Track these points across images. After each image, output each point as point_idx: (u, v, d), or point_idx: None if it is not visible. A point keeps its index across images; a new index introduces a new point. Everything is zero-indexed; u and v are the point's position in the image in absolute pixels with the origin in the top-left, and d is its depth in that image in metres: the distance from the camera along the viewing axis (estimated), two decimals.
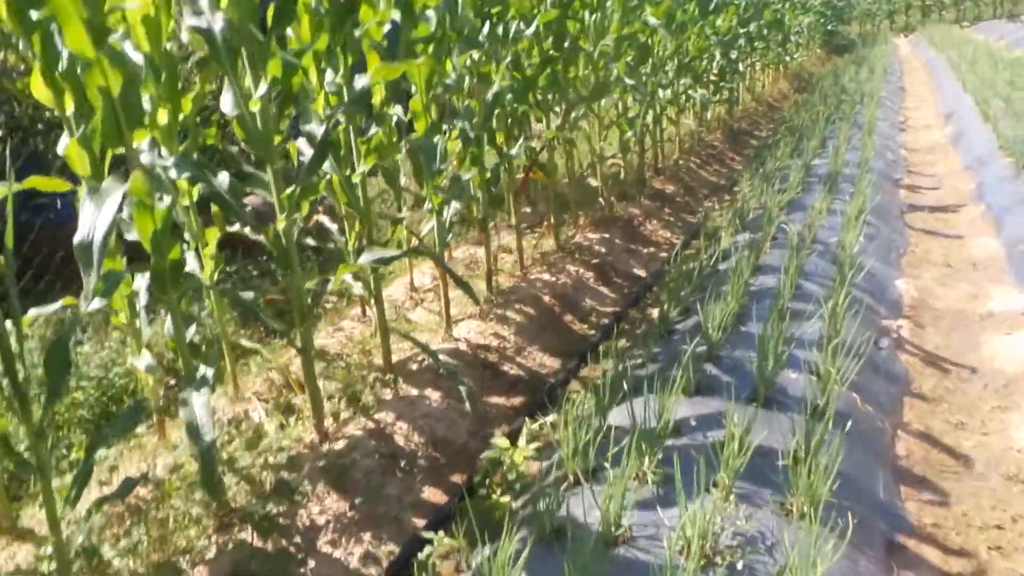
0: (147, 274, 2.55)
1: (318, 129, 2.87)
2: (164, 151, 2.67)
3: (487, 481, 2.77)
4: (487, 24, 4.05)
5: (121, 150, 2.29)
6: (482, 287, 4.44)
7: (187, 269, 2.93)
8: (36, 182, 2.35)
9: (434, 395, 3.41)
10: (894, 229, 5.88)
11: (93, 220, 1.96)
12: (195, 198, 2.88)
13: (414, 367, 3.59)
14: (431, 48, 3.62)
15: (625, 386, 3.04)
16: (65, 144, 2.32)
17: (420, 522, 2.73)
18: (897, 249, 5.45)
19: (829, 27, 24.46)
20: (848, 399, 3.07)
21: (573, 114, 5.45)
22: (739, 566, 2.07)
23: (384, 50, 3.32)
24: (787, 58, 16.31)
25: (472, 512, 2.34)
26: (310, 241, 3.70)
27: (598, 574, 2.00)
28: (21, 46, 2.30)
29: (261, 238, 2.83)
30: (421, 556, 2.40)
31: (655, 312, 4.38)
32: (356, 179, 3.37)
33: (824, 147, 7.94)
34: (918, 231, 6.00)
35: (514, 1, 4.38)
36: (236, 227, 3.03)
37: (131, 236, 2.60)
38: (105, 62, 2.12)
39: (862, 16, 34.78)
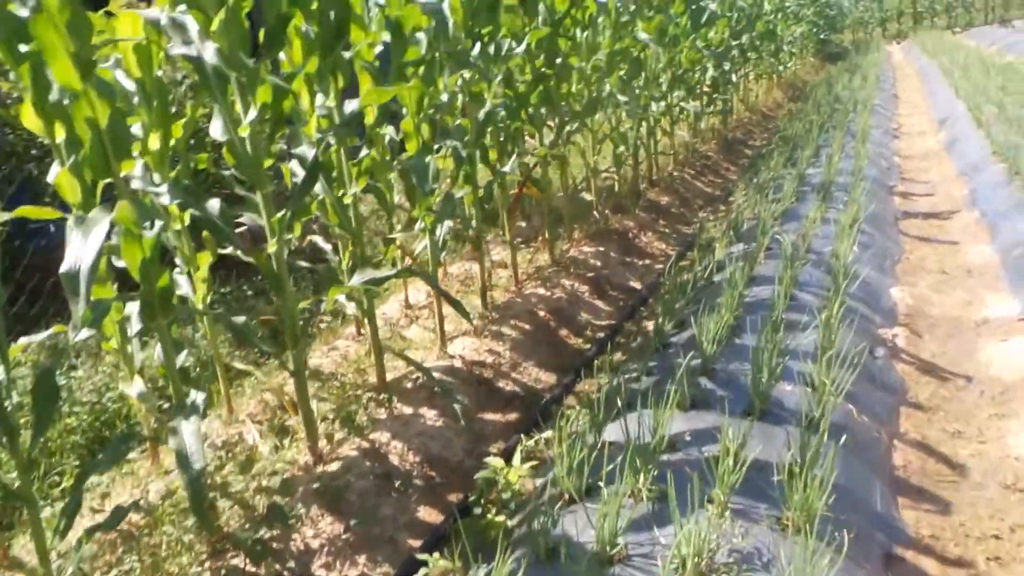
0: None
1: (309, 152, 2.88)
2: (156, 176, 2.69)
3: (482, 500, 2.76)
4: (478, 43, 4.07)
5: (110, 179, 2.30)
6: (477, 303, 4.44)
7: (180, 293, 2.93)
8: (26, 211, 2.37)
9: (429, 413, 3.40)
10: (888, 237, 5.89)
11: (80, 250, 1.97)
12: (187, 222, 2.89)
13: (409, 385, 3.58)
14: (421, 70, 3.64)
15: (619, 402, 3.04)
16: (56, 173, 2.34)
17: (416, 543, 2.72)
18: (892, 257, 5.46)
19: (822, 36, 24.61)
20: (844, 410, 3.06)
21: (566, 129, 5.47)
22: None
23: (375, 71, 3.34)
24: (780, 68, 16.40)
25: (467, 532, 2.33)
26: (303, 263, 3.70)
27: None
28: (12, 76, 2.32)
29: (253, 260, 2.84)
30: None
31: (650, 324, 4.38)
32: (348, 200, 3.38)
33: (818, 156, 7.96)
34: (913, 238, 6.01)
35: (505, 20, 4.39)
36: (229, 249, 3.03)
37: (122, 263, 2.60)
38: (92, 94, 2.14)
39: (855, 24, 35.00)
